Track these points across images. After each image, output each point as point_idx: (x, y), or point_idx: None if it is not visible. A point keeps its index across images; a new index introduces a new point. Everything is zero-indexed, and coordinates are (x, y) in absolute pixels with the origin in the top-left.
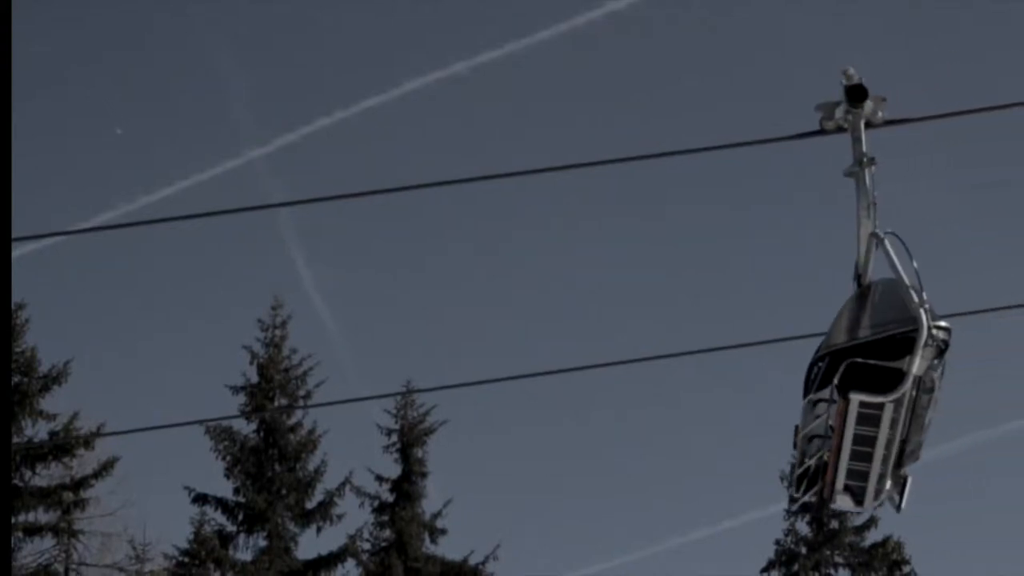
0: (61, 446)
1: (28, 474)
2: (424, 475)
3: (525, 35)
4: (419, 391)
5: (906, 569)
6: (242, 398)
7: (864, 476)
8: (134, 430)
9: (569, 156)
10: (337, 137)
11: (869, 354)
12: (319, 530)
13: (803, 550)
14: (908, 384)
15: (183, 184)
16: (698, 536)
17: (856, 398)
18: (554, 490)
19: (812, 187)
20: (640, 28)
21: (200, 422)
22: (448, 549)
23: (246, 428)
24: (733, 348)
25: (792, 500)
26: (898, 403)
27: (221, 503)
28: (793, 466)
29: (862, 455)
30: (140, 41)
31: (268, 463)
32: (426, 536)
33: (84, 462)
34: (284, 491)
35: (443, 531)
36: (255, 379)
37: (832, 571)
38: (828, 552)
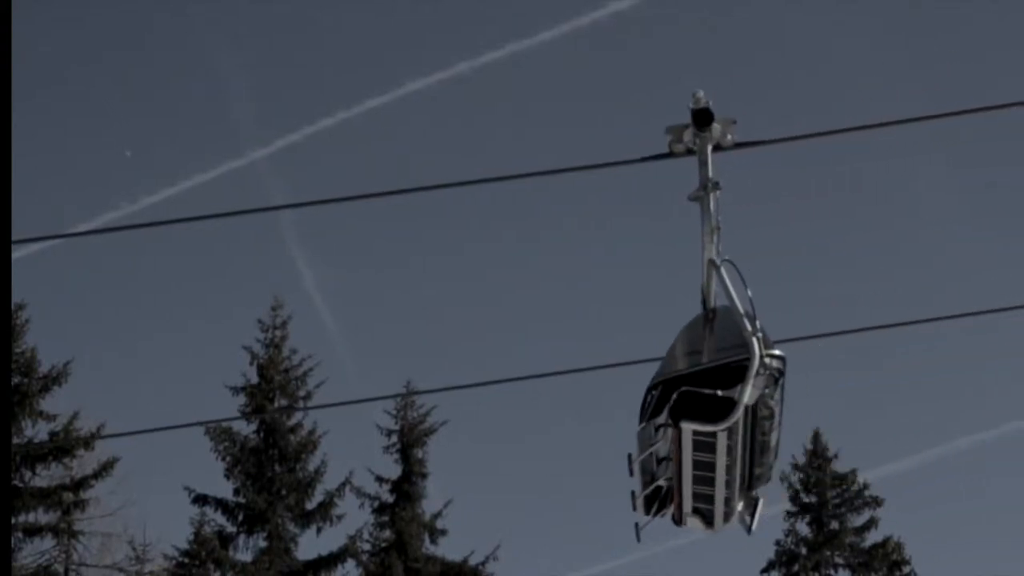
0: (61, 446)
1: (28, 474)
2: (424, 476)
3: (527, 35)
4: (419, 392)
5: (906, 570)
6: (242, 399)
7: (711, 499)
8: (134, 432)
9: (571, 156)
10: (339, 137)
11: (702, 382)
12: (319, 531)
13: (803, 551)
14: (739, 413)
15: (185, 184)
16: (698, 537)
17: (688, 427)
18: (554, 490)
19: (814, 187)
20: (640, 28)
21: (201, 423)
22: (448, 550)
23: (246, 429)
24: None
25: (637, 527)
26: (731, 431)
27: (221, 504)
28: (633, 493)
29: (705, 480)
30: (140, 41)
31: (268, 464)
32: (426, 536)
33: (84, 462)
34: (284, 492)
35: (443, 531)
36: (255, 379)
37: (832, 571)
38: (828, 553)
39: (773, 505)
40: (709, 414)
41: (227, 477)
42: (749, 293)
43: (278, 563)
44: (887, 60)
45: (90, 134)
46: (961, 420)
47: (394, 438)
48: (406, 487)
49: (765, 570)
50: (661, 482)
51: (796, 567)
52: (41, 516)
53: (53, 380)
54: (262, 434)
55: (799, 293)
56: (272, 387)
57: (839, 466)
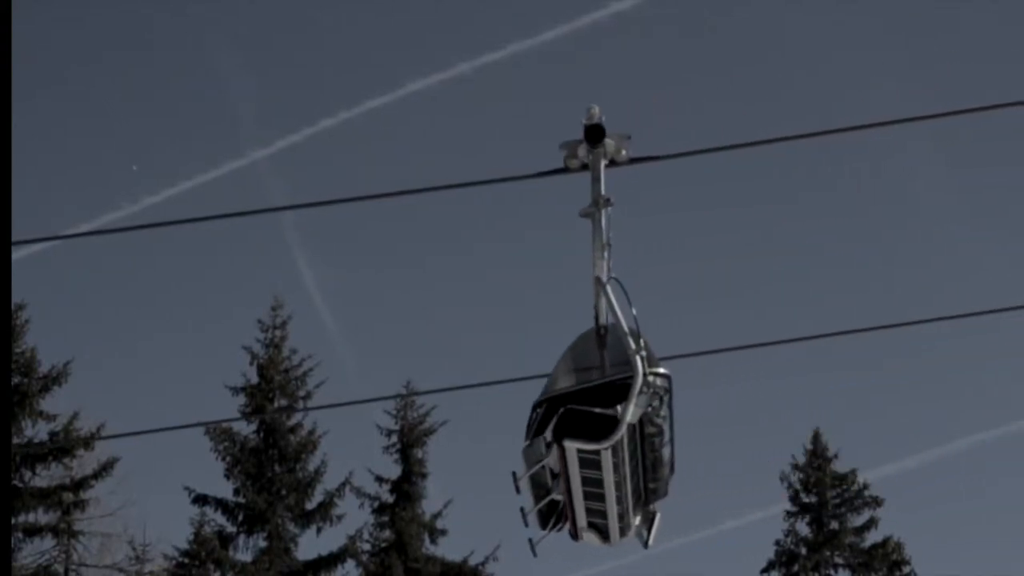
0: (61, 447)
1: (28, 475)
2: (424, 476)
3: (528, 36)
4: (419, 393)
5: (906, 570)
6: (242, 399)
7: (604, 514)
8: (134, 432)
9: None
10: (340, 137)
11: (586, 401)
12: (319, 531)
13: (803, 551)
14: (621, 431)
15: (186, 185)
16: (699, 536)
17: (571, 446)
18: None
19: (814, 188)
20: (640, 28)
21: (201, 424)
22: (448, 550)
23: (246, 429)
24: (733, 349)
25: (531, 542)
26: (616, 449)
27: (221, 504)
28: (522, 509)
29: (595, 495)
30: (141, 41)
31: (268, 464)
32: (426, 537)
33: (84, 462)
34: (284, 492)
35: (443, 532)
36: (255, 380)
37: (832, 572)
38: (828, 553)
39: (773, 505)
40: (592, 432)
41: (227, 477)
42: (634, 311)
43: (278, 563)
44: (887, 60)
45: (90, 134)
46: (961, 420)
47: (394, 438)
48: (406, 487)
49: (765, 570)
50: (556, 496)
51: (796, 567)
52: (41, 516)
53: (53, 380)
54: (262, 434)
55: (799, 293)
56: (272, 387)
57: (839, 466)
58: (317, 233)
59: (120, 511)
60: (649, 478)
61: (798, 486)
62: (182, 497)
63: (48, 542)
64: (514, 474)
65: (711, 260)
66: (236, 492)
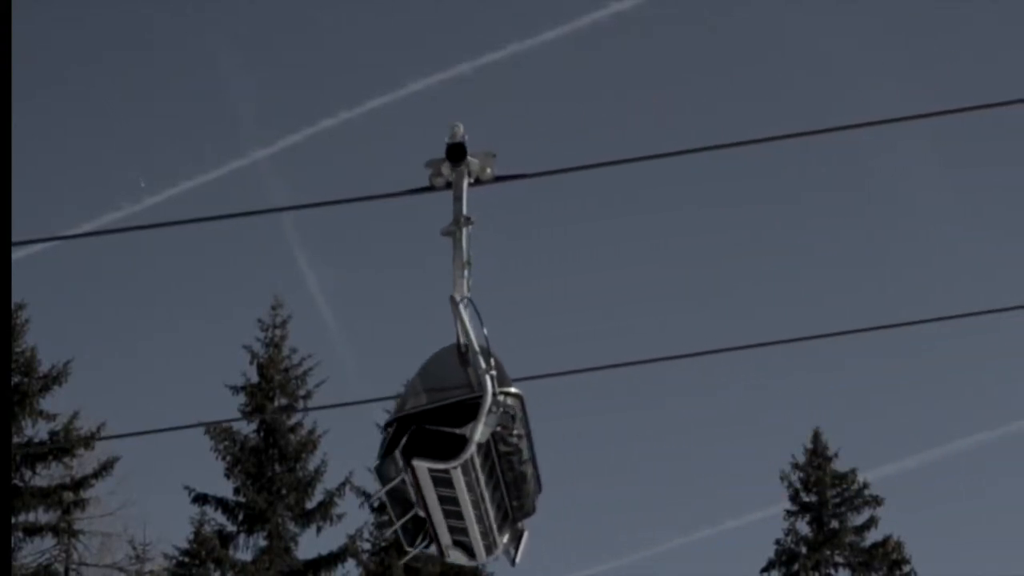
0: (61, 446)
1: (28, 474)
2: None
3: (528, 36)
4: None
5: (906, 569)
6: (242, 398)
7: (467, 533)
8: (135, 433)
9: (572, 156)
10: (341, 137)
11: (436, 420)
12: (319, 530)
13: (803, 550)
14: (470, 451)
15: (187, 185)
16: (699, 536)
17: (421, 465)
18: (554, 490)
19: (814, 188)
20: (640, 28)
21: (201, 424)
22: None
23: (246, 428)
24: (734, 350)
25: (402, 552)
26: (467, 468)
27: (221, 503)
28: (382, 525)
29: (455, 514)
30: (141, 41)
31: (268, 463)
32: None
33: (84, 462)
34: (284, 491)
35: None
36: (255, 379)
37: (832, 571)
38: (828, 552)
39: (773, 504)
40: (441, 451)
41: (227, 476)
42: (485, 331)
43: (278, 562)
44: (887, 60)
45: (90, 134)
46: (961, 420)
47: None
48: None
49: (765, 569)
50: (420, 512)
51: (796, 566)
52: (41, 515)
53: (53, 380)
54: (262, 433)
55: (799, 293)
56: (272, 386)
57: (839, 465)
58: (318, 233)
59: (120, 510)
60: (513, 496)
61: (798, 485)
62: (182, 496)
63: (48, 541)
64: (368, 495)
65: (712, 260)
66: (236, 491)
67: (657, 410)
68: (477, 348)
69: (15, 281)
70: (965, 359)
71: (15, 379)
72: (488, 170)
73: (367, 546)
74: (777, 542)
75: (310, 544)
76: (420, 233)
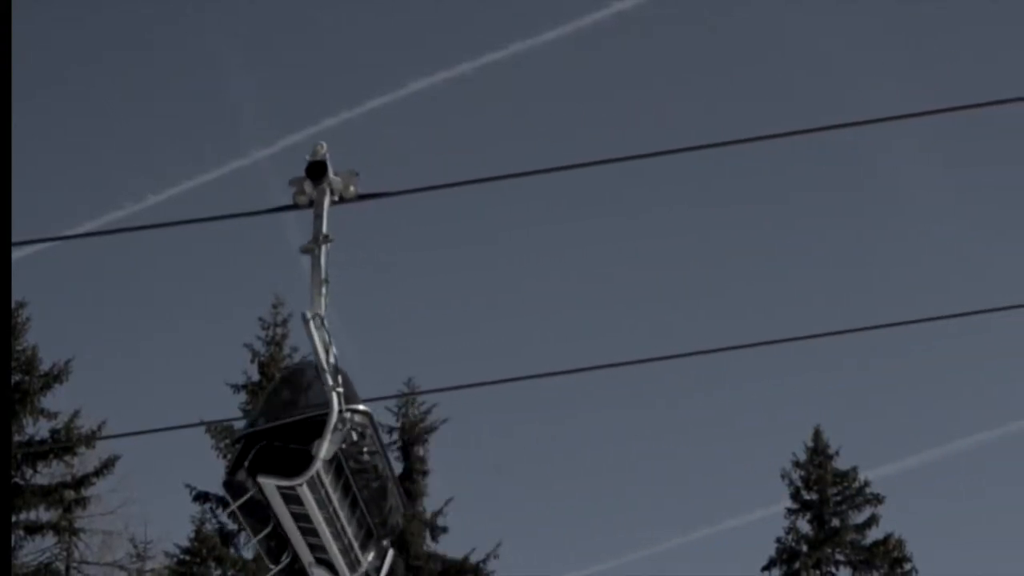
0: (62, 444)
1: (29, 472)
2: (425, 473)
3: (530, 36)
4: (419, 393)
5: (907, 567)
6: (243, 396)
7: (327, 550)
8: (136, 432)
9: (573, 156)
10: (342, 137)
11: (283, 437)
12: None
13: (804, 548)
14: (315, 468)
15: (189, 184)
16: (699, 536)
17: (267, 482)
18: (555, 489)
19: (815, 188)
20: (640, 28)
21: (202, 424)
22: (449, 547)
23: None
24: (733, 349)
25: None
26: (315, 485)
27: (222, 501)
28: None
29: (311, 531)
30: (141, 41)
31: None
32: (427, 534)
33: (85, 460)
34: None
35: (444, 529)
36: (256, 377)
37: (833, 569)
38: (829, 550)
39: (774, 503)
40: (287, 468)
41: None
42: (334, 349)
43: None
44: (887, 60)
45: (90, 134)
46: (962, 420)
47: (395, 435)
48: (407, 485)
49: (766, 567)
50: (279, 528)
51: (797, 564)
52: (42, 514)
53: (54, 378)
54: None
55: (799, 292)
56: None
57: (840, 464)
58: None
59: (121, 509)
60: (374, 514)
61: (799, 484)
62: (183, 495)
63: (49, 540)
64: (231, 508)
65: (714, 259)
66: None
67: (656, 410)
68: (325, 366)
69: (15, 281)
70: (964, 359)
71: (16, 377)
72: (352, 188)
73: None
74: (778, 540)
75: None
76: (421, 232)
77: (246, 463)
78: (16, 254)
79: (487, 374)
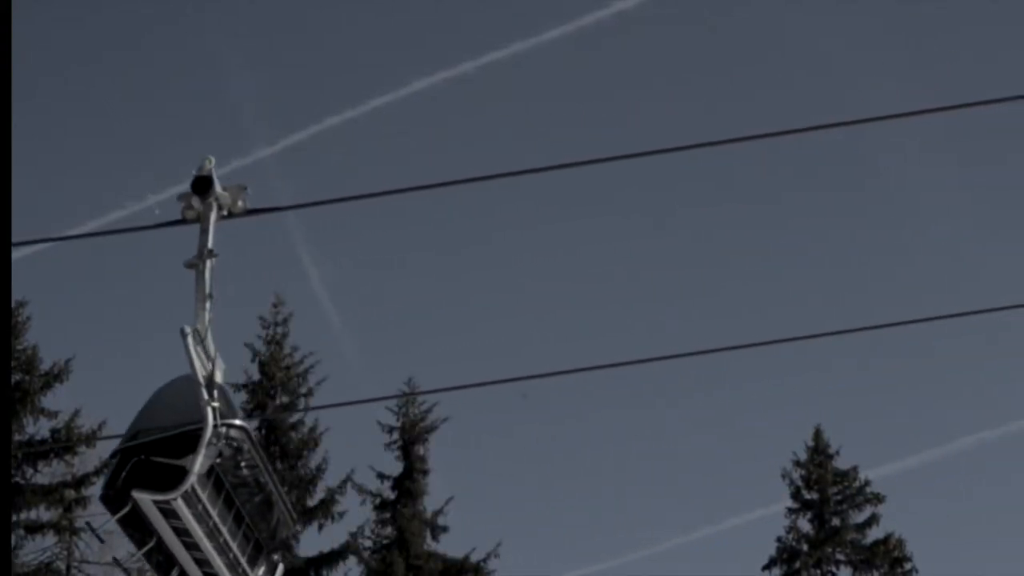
0: (63, 444)
1: (30, 472)
2: (425, 472)
3: (531, 35)
4: (419, 393)
5: (907, 566)
6: (243, 395)
7: (212, 564)
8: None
9: (574, 155)
10: (344, 136)
11: (158, 451)
12: (321, 527)
13: (805, 547)
14: (189, 482)
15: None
16: (700, 535)
17: (142, 497)
18: (555, 489)
19: (802, 187)
20: (641, 28)
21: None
22: (449, 546)
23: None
24: (733, 349)
25: None
26: (192, 499)
27: None
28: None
29: (194, 545)
30: (141, 41)
31: (269, 461)
32: (427, 533)
33: (85, 459)
34: (286, 489)
35: (444, 528)
36: (257, 376)
37: (834, 568)
38: (830, 549)
39: (774, 503)
40: (162, 483)
41: None
42: (221, 363)
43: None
44: (887, 60)
45: (90, 134)
46: (962, 419)
47: (396, 435)
48: (407, 484)
49: (767, 567)
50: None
51: (797, 564)
52: (43, 513)
53: (54, 377)
54: (263, 431)
55: (799, 292)
56: (274, 384)
57: (840, 463)
58: (321, 231)
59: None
60: (261, 528)
61: (800, 483)
62: None
63: (50, 539)
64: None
65: (716, 259)
66: None
67: (656, 410)
68: (201, 380)
69: (15, 281)
70: (964, 359)
71: (16, 377)
72: (240, 203)
73: (368, 543)
74: (778, 539)
75: (312, 541)
76: (422, 232)
77: (122, 477)
78: (16, 254)
79: (487, 374)
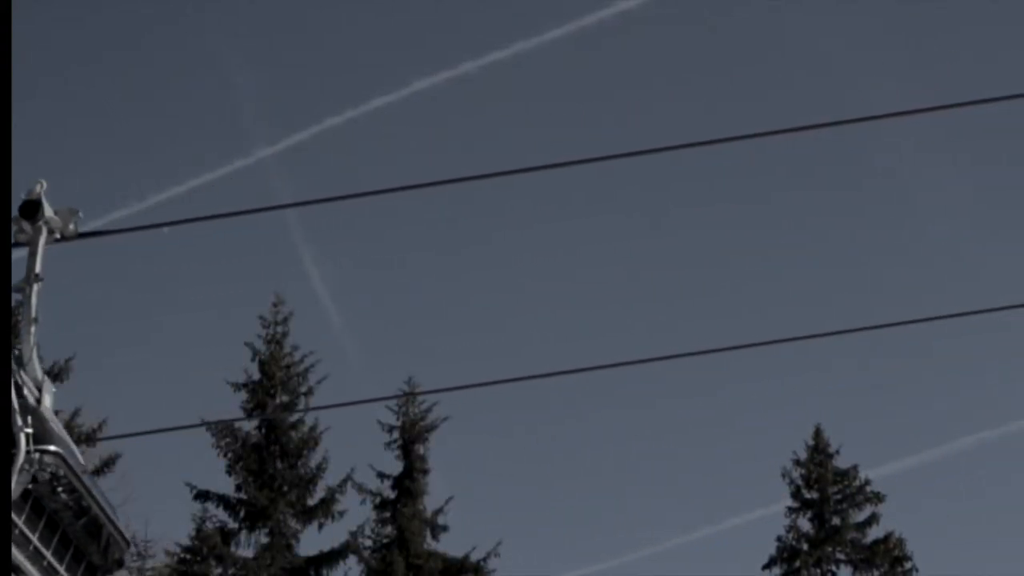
0: None
1: None
2: (426, 472)
3: (533, 35)
4: (419, 392)
5: (907, 566)
6: (243, 395)
7: None
8: (137, 433)
9: (574, 155)
10: (346, 136)
11: None
12: (321, 527)
13: (805, 546)
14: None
15: (192, 183)
16: (700, 535)
17: None
18: (555, 488)
19: (802, 187)
20: (641, 28)
21: (203, 424)
22: (449, 546)
23: (247, 425)
24: (734, 349)
25: None
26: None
27: (223, 500)
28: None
29: (19, 569)
30: (141, 41)
31: (270, 460)
32: (428, 533)
33: (86, 459)
34: (286, 488)
35: (445, 528)
36: (257, 376)
37: (834, 567)
38: (830, 549)
39: (774, 502)
40: None
41: (229, 473)
42: (50, 386)
43: (280, 559)
44: (887, 60)
45: (90, 134)
46: (963, 419)
47: (396, 434)
48: (408, 483)
49: (767, 566)
50: None
51: (797, 563)
52: None
53: (54, 377)
54: (263, 430)
55: (799, 292)
56: (274, 383)
57: (840, 462)
58: (322, 230)
59: (122, 507)
60: (89, 551)
61: (800, 482)
62: (184, 493)
63: None
64: None
65: (717, 259)
66: (238, 488)
67: (656, 410)
68: (16, 406)
69: (15, 280)
70: (964, 359)
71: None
72: (71, 226)
73: (368, 543)
74: (778, 539)
75: (312, 541)
76: (423, 231)
77: None
78: (16, 254)
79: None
